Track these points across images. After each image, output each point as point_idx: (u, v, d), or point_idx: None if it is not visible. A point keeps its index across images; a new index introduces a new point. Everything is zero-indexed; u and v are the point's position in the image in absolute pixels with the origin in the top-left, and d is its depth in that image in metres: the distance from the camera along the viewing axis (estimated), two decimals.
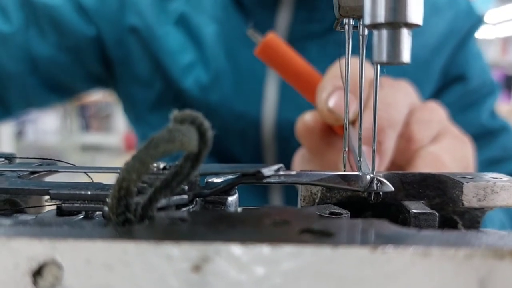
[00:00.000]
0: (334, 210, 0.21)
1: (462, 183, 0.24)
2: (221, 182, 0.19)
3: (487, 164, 0.62)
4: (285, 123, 0.58)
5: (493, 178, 0.25)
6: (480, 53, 0.67)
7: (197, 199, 0.19)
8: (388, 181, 0.27)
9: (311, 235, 0.15)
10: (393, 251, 0.13)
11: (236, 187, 0.21)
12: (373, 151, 0.21)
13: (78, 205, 0.19)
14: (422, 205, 0.25)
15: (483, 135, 0.63)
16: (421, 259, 0.13)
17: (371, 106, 0.36)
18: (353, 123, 0.36)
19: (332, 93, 0.36)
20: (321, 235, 0.15)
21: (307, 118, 0.39)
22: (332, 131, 0.38)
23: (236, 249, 0.14)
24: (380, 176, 0.21)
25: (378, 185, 0.21)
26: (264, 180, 0.19)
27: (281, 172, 0.19)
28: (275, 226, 0.16)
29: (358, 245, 0.14)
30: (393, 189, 0.21)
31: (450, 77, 0.63)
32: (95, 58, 0.65)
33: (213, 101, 0.60)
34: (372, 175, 0.21)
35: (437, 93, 0.63)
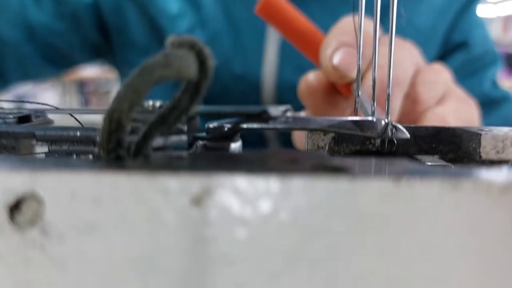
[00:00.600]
0: None
1: (480, 134, 0.22)
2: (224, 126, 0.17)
3: None
4: (286, 85, 0.57)
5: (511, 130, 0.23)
6: (482, 23, 0.66)
7: (198, 144, 0.18)
8: None
9: (324, 170, 0.13)
10: (420, 184, 0.12)
11: (239, 133, 0.19)
12: (388, 95, 0.20)
13: (66, 147, 0.17)
14: (437, 158, 0.24)
15: (485, 104, 0.62)
16: (451, 193, 0.12)
17: (379, 64, 0.35)
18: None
19: (337, 49, 0.34)
20: (336, 170, 0.13)
21: (310, 77, 0.37)
22: (336, 91, 0.36)
23: (241, 181, 0.12)
24: (395, 123, 0.19)
25: (393, 131, 0.19)
26: (272, 125, 0.18)
27: (289, 114, 0.18)
28: (283, 164, 0.14)
29: (379, 177, 0.12)
30: (408, 136, 0.19)
31: (452, 44, 0.62)
32: (92, 26, 0.64)
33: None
34: (386, 121, 0.19)
35: (440, 61, 0.62)
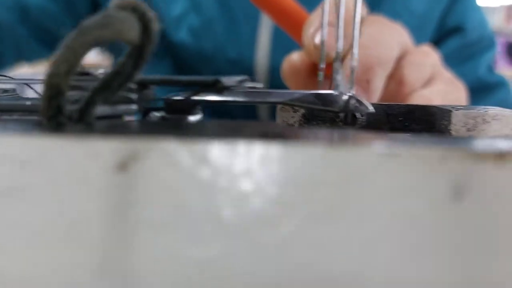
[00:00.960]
0: None
1: (451, 111, 0.22)
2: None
3: None
4: (279, 70, 0.57)
5: (485, 108, 0.22)
6: (478, 7, 0.65)
7: (151, 115, 0.17)
8: (371, 112, 0.25)
9: (265, 138, 0.13)
10: (355, 150, 0.11)
11: (198, 106, 0.19)
12: (352, 68, 0.19)
13: (17, 117, 0.17)
14: (407, 136, 0.23)
15: (480, 89, 0.61)
16: (388, 159, 0.11)
17: (362, 43, 0.34)
18: (341, 59, 0.33)
19: (319, 28, 0.33)
20: (277, 137, 0.13)
21: (294, 57, 0.36)
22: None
23: (173, 147, 0.12)
24: (358, 96, 0.19)
25: (356, 105, 0.19)
26: (229, 98, 0.17)
27: (248, 85, 0.17)
28: (226, 132, 0.14)
29: (313, 142, 0.12)
30: (373, 109, 0.19)
31: (447, 28, 0.61)
32: (86, 8, 0.63)
33: (206, 48, 0.59)
34: (349, 94, 0.18)
35: (434, 45, 0.61)
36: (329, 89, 0.26)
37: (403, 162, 0.11)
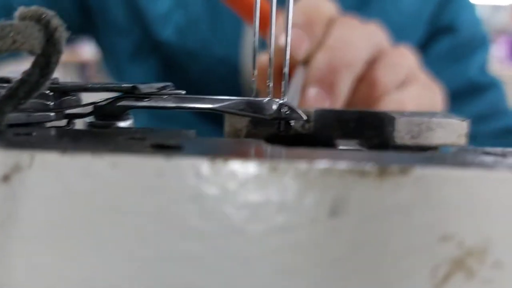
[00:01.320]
0: None
1: (395, 118, 0.21)
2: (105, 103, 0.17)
3: (473, 120, 0.59)
4: None
5: (431, 114, 0.22)
6: (471, 5, 0.64)
7: (74, 122, 0.17)
8: (322, 118, 0.24)
9: (158, 149, 0.13)
10: (235, 163, 0.11)
11: (130, 112, 0.19)
12: (284, 74, 0.19)
13: None
14: (354, 143, 0.23)
15: (471, 90, 0.60)
16: (269, 172, 0.11)
17: (329, 45, 0.34)
18: (305, 62, 0.33)
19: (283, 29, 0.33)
20: (170, 149, 0.13)
21: (261, 58, 0.36)
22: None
23: (53, 158, 0.12)
24: (290, 104, 0.19)
25: (288, 112, 0.18)
26: (155, 104, 0.17)
27: (170, 91, 0.17)
28: (126, 141, 0.14)
29: (195, 156, 0.11)
30: (305, 117, 0.19)
31: (438, 27, 0.60)
32: (72, 5, 0.64)
33: (192, 46, 0.59)
34: (281, 101, 0.18)
35: (424, 44, 0.60)
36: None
37: (282, 176, 0.11)
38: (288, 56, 0.19)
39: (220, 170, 0.11)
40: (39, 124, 0.16)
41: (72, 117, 0.17)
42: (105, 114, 0.18)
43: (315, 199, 0.11)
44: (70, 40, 0.57)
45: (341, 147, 0.21)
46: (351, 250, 0.11)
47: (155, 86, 0.17)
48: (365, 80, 0.35)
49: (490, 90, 0.62)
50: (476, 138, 0.59)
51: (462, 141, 0.21)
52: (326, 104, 0.33)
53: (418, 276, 0.11)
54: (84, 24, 0.66)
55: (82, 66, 2.06)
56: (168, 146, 0.13)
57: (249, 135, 0.24)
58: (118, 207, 0.11)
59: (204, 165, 0.11)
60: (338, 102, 0.32)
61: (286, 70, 0.19)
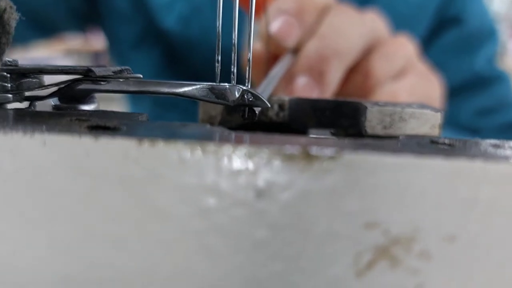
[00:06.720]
0: (216, 129, 0.19)
1: (367, 108, 0.21)
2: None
3: (477, 113, 0.59)
4: None
5: (404, 105, 0.22)
6: None
7: (35, 104, 0.17)
8: (298, 106, 0.24)
9: (96, 130, 0.13)
10: (163, 146, 0.11)
11: (95, 95, 0.19)
12: (249, 60, 0.19)
13: None
14: (328, 132, 0.23)
15: (476, 83, 0.59)
16: (196, 155, 0.11)
17: (320, 33, 0.33)
18: (295, 51, 0.33)
19: (276, 16, 0.33)
20: (106, 130, 0.13)
21: (254, 46, 0.36)
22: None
23: None
24: (254, 91, 0.18)
25: (251, 99, 0.18)
26: (116, 87, 0.17)
27: (128, 75, 0.17)
28: (69, 122, 0.14)
29: (123, 137, 0.11)
30: (268, 105, 0.18)
31: (445, 18, 0.59)
32: None
33: (194, 36, 0.59)
34: (244, 88, 0.18)
35: (431, 36, 0.59)
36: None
37: (208, 159, 0.11)
38: (251, 44, 0.19)
39: (148, 152, 0.11)
40: None
41: (33, 99, 0.17)
42: (66, 97, 0.18)
43: (242, 181, 0.11)
44: (78, 29, 0.57)
45: (312, 136, 0.21)
46: (274, 233, 0.11)
47: (111, 69, 0.17)
48: (359, 70, 0.34)
49: (497, 83, 0.61)
50: (480, 132, 0.58)
51: (436, 132, 0.21)
52: (315, 94, 0.32)
53: (340, 263, 0.11)
54: (89, 12, 0.67)
55: (95, 55, 2.08)
56: (106, 127, 0.13)
57: (223, 122, 0.24)
58: (46, 186, 0.11)
59: (131, 147, 0.11)
60: (328, 92, 0.32)
61: (249, 56, 0.19)
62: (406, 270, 0.11)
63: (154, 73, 0.63)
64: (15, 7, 0.14)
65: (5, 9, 0.14)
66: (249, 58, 0.19)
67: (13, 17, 0.14)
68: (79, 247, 0.11)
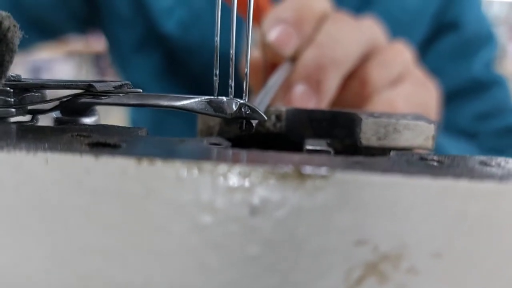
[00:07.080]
0: (213, 141, 0.19)
1: (362, 119, 0.21)
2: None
3: (475, 118, 0.59)
4: None
5: (399, 117, 0.22)
6: (478, 2, 0.63)
7: (37, 117, 0.18)
8: (294, 117, 0.25)
9: (97, 147, 0.13)
10: (161, 164, 0.12)
11: (96, 107, 0.19)
12: (246, 74, 0.19)
13: None
14: (324, 143, 0.23)
15: (474, 88, 0.59)
16: (193, 173, 0.12)
17: (317, 42, 0.34)
18: (293, 59, 0.33)
19: (274, 25, 0.33)
20: (106, 147, 0.13)
21: (253, 55, 0.36)
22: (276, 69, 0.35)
23: None
24: (251, 104, 0.19)
25: (248, 112, 0.19)
26: (116, 101, 0.18)
27: (128, 90, 0.17)
28: (70, 138, 0.14)
29: (123, 156, 0.12)
30: (265, 118, 0.19)
31: (443, 23, 0.60)
32: None
33: (193, 41, 0.59)
34: (241, 101, 0.19)
35: (428, 41, 0.59)
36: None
37: (205, 177, 0.12)
38: (248, 55, 0.19)
39: (146, 171, 0.12)
40: (1, 119, 0.17)
41: (35, 112, 0.18)
42: (68, 110, 0.18)
43: (237, 199, 0.11)
44: (79, 32, 0.58)
45: (308, 147, 0.21)
46: (267, 249, 0.11)
47: (112, 84, 0.17)
48: (356, 77, 0.34)
49: (494, 88, 0.61)
50: (478, 137, 0.58)
51: (429, 143, 0.21)
52: (312, 103, 0.33)
53: (332, 278, 0.11)
54: (90, 16, 0.67)
55: (96, 57, 2.09)
56: (106, 144, 0.13)
57: (222, 132, 0.24)
58: (46, 201, 0.12)
59: (131, 165, 0.12)
60: (325, 100, 0.32)
61: (247, 70, 0.19)
62: (394, 286, 0.11)
63: (154, 76, 0.63)
64: (18, 25, 0.15)
65: (9, 28, 0.14)
66: (246, 72, 0.19)
67: (17, 35, 0.15)
68: (77, 262, 0.12)
